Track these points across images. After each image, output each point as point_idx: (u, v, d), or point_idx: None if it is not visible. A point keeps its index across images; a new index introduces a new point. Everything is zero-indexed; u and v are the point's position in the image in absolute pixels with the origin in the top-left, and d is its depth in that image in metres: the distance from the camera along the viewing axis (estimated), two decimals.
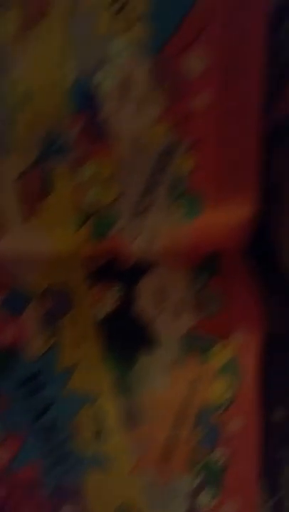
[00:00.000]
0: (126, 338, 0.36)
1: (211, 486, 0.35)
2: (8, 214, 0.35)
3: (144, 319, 0.36)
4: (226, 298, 0.36)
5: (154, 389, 0.36)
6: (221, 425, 0.35)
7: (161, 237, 0.36)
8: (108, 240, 0.36)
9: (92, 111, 0.34)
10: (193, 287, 0.36)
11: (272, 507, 0.35)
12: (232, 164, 0.35)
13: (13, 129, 0.34)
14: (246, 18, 0.33)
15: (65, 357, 0.36)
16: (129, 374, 0.35)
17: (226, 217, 0.36)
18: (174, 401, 0.35)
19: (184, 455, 0.35)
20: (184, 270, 0.36)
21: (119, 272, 0.36)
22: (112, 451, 0.36)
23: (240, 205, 0.36)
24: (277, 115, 0.36)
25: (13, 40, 0.33)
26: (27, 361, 0.36)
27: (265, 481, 0.35)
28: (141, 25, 0.33)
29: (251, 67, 0.34)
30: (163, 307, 0.36)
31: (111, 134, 0.34)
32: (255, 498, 0.35)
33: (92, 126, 0.34)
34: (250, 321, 0.36)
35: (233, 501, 0.35)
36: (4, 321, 0.36)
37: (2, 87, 0.34)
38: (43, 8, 0.33)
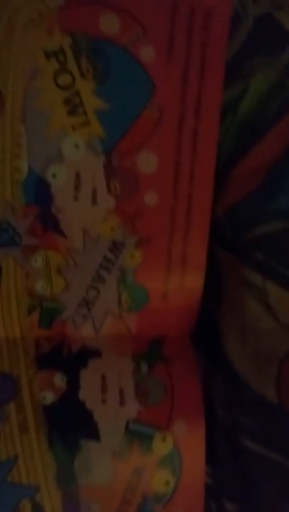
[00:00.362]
0: (70, 426, 0.36)
1: None
2: None
3: (87, 407, 0.36)
4: (169, 386, 0.37)
5: (97, 479, 0.36)
6: None
7: (107, 325, 0.37)
8: (54, 328, 0.37)
9: (44, 203, 0.35)
10: (136, 375, 0.36)
11: None
12: (179, 259, 0.36)
13: None
14: (198, 121, 0.35)
15: (8, 447, 0.35)
16: (71, 464, 0.35)
17: (172, 308, 0.37)
18: (117, 491, 0.36)
19: None
20: (128, 358, 0.37)
21: (64, 359, 0.36)
22: None
23: (186, 297, 0.37)
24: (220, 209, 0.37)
25: None
26: None
27: None
28: (94, 124, 0.34)
29: (202, 169, 0.36)
30: (106, 396, 0.36)
31: (62, 226, 0.35)
32: None
33: (43, 217, 0.35)
34: (193, 410, 0.37)
35: None
36: None
37: None
38: None
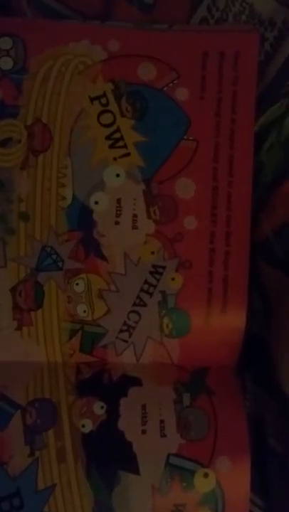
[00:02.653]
0: (108, 457, 0.35)
1: None
2: (1, 322, 0.36)
3: (126, 438, 0.34)
4: (212, 419, 0.35)
5: None
6: None
7: (148, 352, 0.36)
8: (95, 353, 0.36)
9: (86, 228, 0.36)
10: (178, 406, 0.35)
11: None
12: (221, 283, 0.36)
13: (13, 240, 0.36)
14: (233, 148, 0.36)
15: (46, 475, 0.34)
16: (109, 496, 0.34)
17: (215, 335, 0.36)
18: None
19: None
20: (169, 387, 0.36)
21: (105, 387, 0.36)
22: None
23: (229, 322, 0.36)
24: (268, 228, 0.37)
25: (20, 165, 0.36)
26: (7, 478, 0.34)
27: None
28: (133, 155, 0.36)
29: (239, 192, 0.37)
30: (146, 427, 0.34)
31: (103, 250, 0.36)
32: None
33: (85, 242, 0.36)
34: (237, 445, 0.34)
35: None
36: None
37: (6, 204, 0.36)
38: (46, 141, 0.36)
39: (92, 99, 0.37)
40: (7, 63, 0.36)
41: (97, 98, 0.37)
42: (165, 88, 0.37)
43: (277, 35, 0.39)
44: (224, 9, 0.39)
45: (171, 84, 0.37)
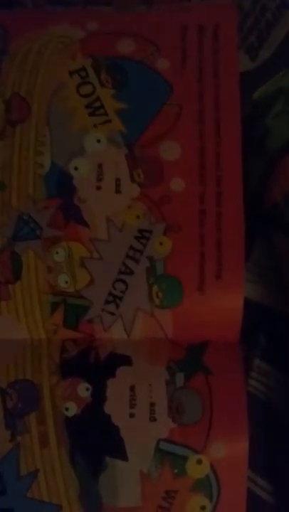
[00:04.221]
0: (94, 442, 0.31)
1: None
2: None
3: (113, 422, 0.31)
4: (208, 401, 0.31)
5: (123, 501, 0.30)
6: None
7: (139, 326, 0.33)
8: (81, 329, 0.33)
9: (66, 195, 0.34)
10: (170, 387, 0.31)
11: None
12: (214, 246, 0.33)
13: None
14: (219, 112, 0.35)
15: (28, 460, 0.31)
16: (96, 483, 0.29)
17: (211, 304, 0.33)
18: None
19: None
20: (162, 366, 0.32)
21: (91, 367, 0.32)
22: None
23: (226, 288, 0.33)
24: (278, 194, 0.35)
25: None
26: None
27: None
28: (114, 121, 0.35)
29: (228, 153, 0.34)
30: (134, 410, 0.31)
31: (85, 216, 0.34)
32: None
33: (65, 209, 0.34)
34: (234, 430, 0.31)
35: None
36: None
37: None
38: (23, 112, 0.35)
39: (71, 73, 0.36)
40: None
41: (76, 72, 0.36)
42: (145, 60, 0.36)
43: (279, 4, 0.39)
44: None
45: (150, 56, 0.36)
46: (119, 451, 0.30)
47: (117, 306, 0.33)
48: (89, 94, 0.36)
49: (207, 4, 0.39)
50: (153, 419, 0.31)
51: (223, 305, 0.33)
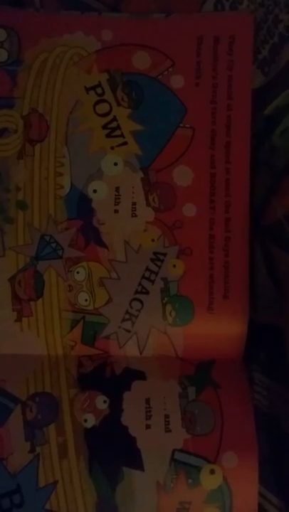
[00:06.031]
0: (111, 453, 0.33)
1: None
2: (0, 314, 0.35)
3: (130, 433, 0.33)
4: (218, 413, 0.33)
5: (140, 511, 0.32)
6: None
7: (152, 343, 0.35)
8: (97, 345, 0.35)
9: (86, 217, 0.36)
10: (183, 400, 0.34)
11: None
12: (222, 269, 0.36)
13: (11, 229, 0.35)
14: (230, 135, 0.37)
15: (47, 472, 0.33)
16: (113, 493, 0.32)
17: (219, 323, 0.35)
18: None
19: None
20: (174, 381, 0.34)
21: (108, 381, 0.35)
22: None
23: (232, 308, 0.35)
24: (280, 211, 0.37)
25: (17, 154, 0.36)
26: (7, 475, 0.32)
27: None
28: (131, 144, 0.36)
29: (237, 179, 0.36)
30: (150, 421, 0.33)
31: (103, 238, 0.36)
32: None
33: (85, 230, 0.36)
34: (244, 440, 0.33)
35: None
36: None
37: (3, 193, 0.36)
38: (42, 130, 0.36)
39: (87, 90, 0.37)
40: (2, 55, 0.37)
41: (93, 88, 0.37)
42: (160, 76, 0.37)
43: None
44: None
45: (166, 72, 0.37)
46: (136, 462, 0.32)
47: (133, 323, 0.35)
48: (106, 114, 0.37)
49: (224, 13, 0.39)
50: (168, 430, 0.33)
51: (230, 323, 0.35)
